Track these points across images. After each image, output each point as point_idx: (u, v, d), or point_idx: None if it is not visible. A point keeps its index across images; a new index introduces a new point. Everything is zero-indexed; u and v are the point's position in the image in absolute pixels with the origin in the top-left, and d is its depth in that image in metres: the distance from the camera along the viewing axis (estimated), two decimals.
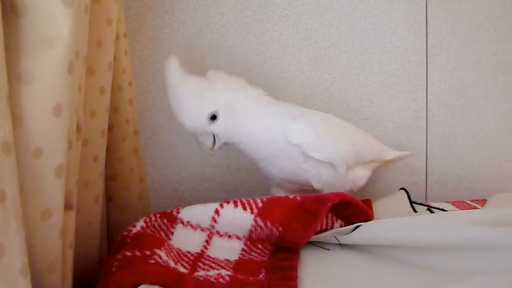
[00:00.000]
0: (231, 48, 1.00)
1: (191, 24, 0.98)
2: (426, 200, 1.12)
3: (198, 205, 0.67)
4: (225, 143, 0.76)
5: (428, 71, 1.10)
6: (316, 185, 0.78)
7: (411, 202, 0.87)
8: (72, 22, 0.46)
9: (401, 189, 0.91)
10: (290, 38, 1.03)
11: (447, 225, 0.59)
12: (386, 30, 1.07)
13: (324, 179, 0.77)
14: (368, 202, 0.81)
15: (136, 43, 0.95)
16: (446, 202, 0.94)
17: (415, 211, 0.84)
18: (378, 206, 0.82)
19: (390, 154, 0.91)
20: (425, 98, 1.11)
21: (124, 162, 0.79)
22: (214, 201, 0.67)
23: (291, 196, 0.66)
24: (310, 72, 1.04)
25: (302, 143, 0.73)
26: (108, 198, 0.80)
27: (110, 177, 0.79)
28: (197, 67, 0.98)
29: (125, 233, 0.63)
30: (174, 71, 0.71)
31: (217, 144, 0.75)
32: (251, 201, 0.66)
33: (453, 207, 0.90)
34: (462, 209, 0.88)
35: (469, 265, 0.57)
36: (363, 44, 1.06)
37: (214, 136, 0.74)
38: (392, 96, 1.09)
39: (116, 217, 0.81)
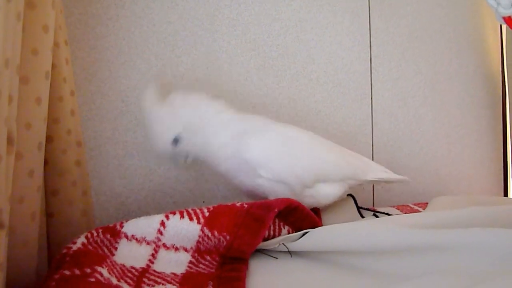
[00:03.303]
0: (179, 57, 0.99)
1: (136, 32, 0.96)
2: (373, 205, 1.16)
3: (142, 218, 0.65)
4: (197, 158, 0.78)
5: (372, 81, 1.15)
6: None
7: (358, 208, 0.89)
8: None
9: (348, 195, 0.93)
10: (238, 48, 1.03)
11: (391, 229, 0.61)
12: (331, 41, 1.10)
13: (280, 195, 0.77)
14: (316, 209, 0.82)
15: (78, 51, 0.92)
16: (391, 207, 0.98)
17: (362, 216, 0.87)
18: (326, 212, 0.84)
19: (372, 175, 0.86)
20: (370, 106, 1.15)
21: (65, 176, 0.76)
22: (163, 213, 0.66)
23: (238, 204, 0.66)
24: (259, 82, 1.05)
25: (252, 159, 0.74)
26: (49, 214, 0.75)
27: (50, 192, 0.74)
28: (143, 77, 0.96)
29: (64, 250, 0.59)
30: (148, 98, 0.73)
31: (190, 158, 0.78)
32: (198, 211, 0.65)
33: (398, 211, 0.93)
34: (405, 213, 0.92)
35: (413, 267, 0.59)
36: (310, 55, 1.09)
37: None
38: (338, 105, 1.12)
39: (58, 233, 0.77)
